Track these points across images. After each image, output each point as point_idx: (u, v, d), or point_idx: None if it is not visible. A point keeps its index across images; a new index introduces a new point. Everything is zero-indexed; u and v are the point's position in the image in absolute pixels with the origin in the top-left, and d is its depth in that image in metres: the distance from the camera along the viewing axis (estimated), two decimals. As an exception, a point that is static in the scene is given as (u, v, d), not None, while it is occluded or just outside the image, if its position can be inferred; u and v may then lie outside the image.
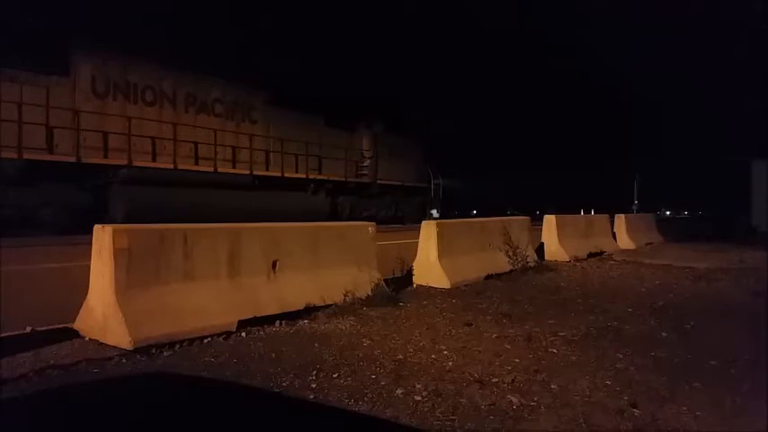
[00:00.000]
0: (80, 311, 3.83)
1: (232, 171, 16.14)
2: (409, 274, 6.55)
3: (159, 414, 2.58)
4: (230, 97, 16.68)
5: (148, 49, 14.47)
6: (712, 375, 3.27)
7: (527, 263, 7.72)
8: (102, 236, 3.64)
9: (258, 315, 4.24)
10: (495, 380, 3.11)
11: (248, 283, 4.35)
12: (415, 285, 6.40)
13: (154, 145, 14.55)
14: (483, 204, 32.35)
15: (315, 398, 2.80)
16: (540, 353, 3.70)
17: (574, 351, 3.75)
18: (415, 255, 6.70)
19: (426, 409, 2.68)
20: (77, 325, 3.83)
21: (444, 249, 6.53)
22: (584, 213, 24.22)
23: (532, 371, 3.28)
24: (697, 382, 3.12)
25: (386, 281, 5.74)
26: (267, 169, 17.24)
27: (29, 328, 3.82)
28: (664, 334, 4.31)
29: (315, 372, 3.17)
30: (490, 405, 2.73)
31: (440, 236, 6.52)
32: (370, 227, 5.80)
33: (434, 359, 3.51)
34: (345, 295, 4.95)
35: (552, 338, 4.08)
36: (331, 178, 19.36)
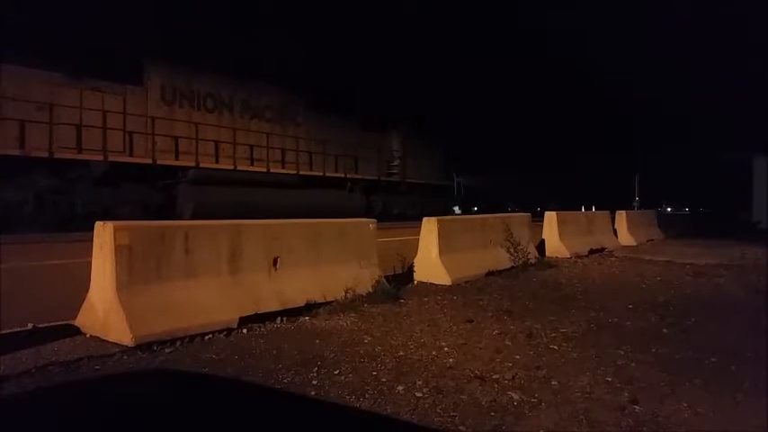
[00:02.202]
0: (81, 308, 3.84)
1: (282, 171, 17.65)
2: (410, 270, 6.55)
3: (161, 411, 2.59)
4: (278, 103, 18.11)
5: (208, 60, 15.95)
6: (713, 372, 3.27)
7: (528, 259, 7.72)
8: (104, 233, 3.65)
9: (259, 312, 4.25)
10: (495, 376, 3.11)
11: (249, 280, 4.35)
12: (415, 282, 6.40)
13: (217, 148, 15.99)
14: (484, 201, 32.41)
15: (316, 394, 2.80)
16: (540, 349, 3.70)
17: (574, 347, 3.76)
18: (416, 251, 6.70)
19: (427, 405, 2.68)
20: (78, 322, 3.83)
21: (445, 246, 6.53)
22: (585, 210, 24.31)
23: (533, 367, 3.28)
24: (698, 378, 3.13)
25: (387, 277, 5.74)
26: (311, 169, 18.72)
27: (30, 325, 3.83)
28: (664, 330, 4.32)
29: (316, 368, 3.18)
30: (491, 401, 2.74)
31: (440, 232, 6.52)
32: (371, 223, 5.80)
33: (435, 356, 3.51)
34: (346, 292, 4.95)
35: (553, 335, 4.09)
36: (366, 177, 20.80)
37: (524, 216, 8.78)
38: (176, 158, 14.87)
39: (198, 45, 15.44)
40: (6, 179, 11.58)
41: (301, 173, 18.21)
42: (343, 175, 19.82)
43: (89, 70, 13.01)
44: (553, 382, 3.03)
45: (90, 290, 3.79)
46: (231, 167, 15.99)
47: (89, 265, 3.81)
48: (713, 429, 2.49)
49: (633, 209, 27.65)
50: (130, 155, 13.86)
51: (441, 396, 2.80)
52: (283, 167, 17.78)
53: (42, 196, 12.18)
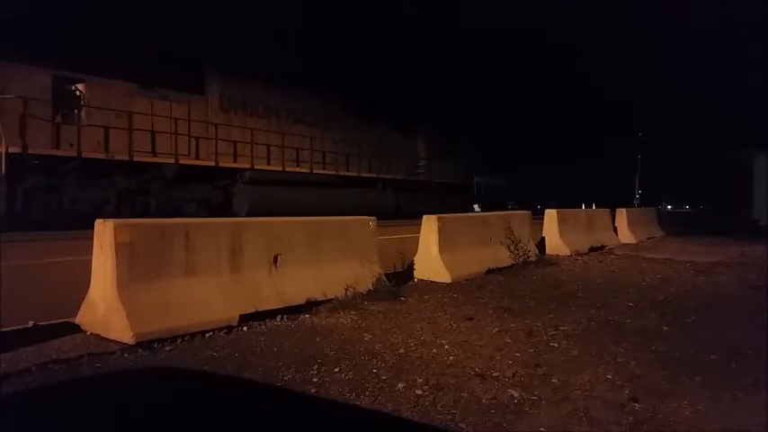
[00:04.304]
0: (81, 306, 3.84)
1: (323, 172, 19.16)
2: (410, 268, 6.55)
3: (161, 408, 2.59)
4: (318, 109, 19.63)
5: (259, 71, 17.51)
6: (713, 369, 3.27)
7: (528, 257, 7.72)
8: (104, 230, 3.64)
9: (260, 309, 4.25)
10: (496, 374, 3.11)
11: (250, 278, 4.35)
12: (416, 280, 6.40)
13: (268, 151, 17.48)
14: (485, 198, 32.59)
15: (316, 392, 2.81)
16: (541, 347, 3.70)
17: (575, 345, 3.76)
18: (417, 249, 6.70)
19: (427, 403, 2.68)
20: (79, 319, 3.83)
21: (445, 244, 6.53)
22: (586, 208, 24.33)
23: (533, 365, 3.29)
24: (698, 376, 3.13)
25: (387, 275, 5.74)
26: (348, 170, 20.28)
27: (31, 323, 3.83)
28: (665, 328, 4.32)
29: (316, 366, 3.18)
30: (491, 399, 2.74)
31: (441, 230, 6.51)
32: (371, 221, 5.80)
33: (436, 353, 3.51)
34: (347, 290, 4.95)
35: (553, 332, 4.09)
36: (395, 177, 22.41)
37: (525, 214, 8.78)
38: (234, 161, 16.34)
39: (249, 57, 17.08)
40: (91, 180, 12.76)
41: (340, 173, 19.70)
42: (375, 176, 21.40)
43: (158, 81, 14.28)
44: (553, 380, 3.03)
45: (90, 287, 3.79)
46: (280, 169, 17.45)
47: (89, 262, 3.81)
48: (713, 427, 2.50)
49: (633, 207, 27.68)
50: (196, 158, 15.22)
51: (441, 393, 2.80)
52: (324, 168, 19.32)
53: (122, 196, 13.39)
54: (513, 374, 3.11)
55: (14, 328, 3.72)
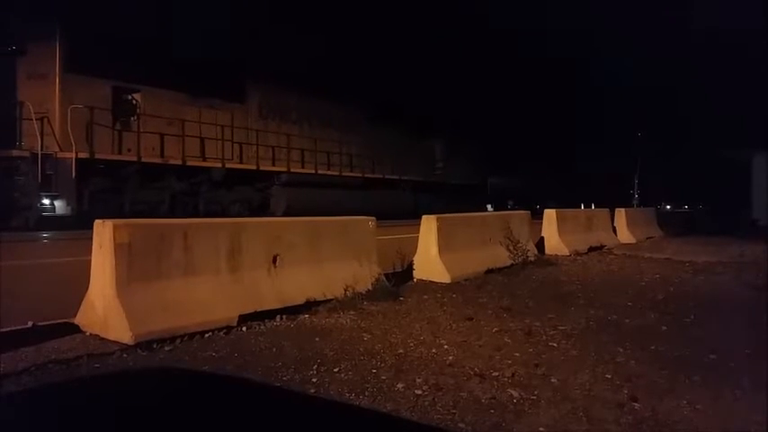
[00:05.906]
0: (81, 306, 3.84)
1: (351, 174, 20.49)
2: (410, 268, 6.55)
3: (160, 409, 2.59)
4: (344, 115, 20.98)
5: (292, 80, 18.50)
6: (712, 369, 3.27)
7: (527, 257, 7.72)
8: (103, 231, 3.64)
9: (259, 309, 4.25)
10: (495, 374, 3.12)
11: (249, 278, 4.35)
12: (415, 280, 6.40)
13: (303, 155, 18.81)
14: (495, 198, 32.76)
15: (316, 392, 2.81)
16: (540, 347, 3.70)
17: (574, 345, 3.76)
18: (416, 249, 6.70)
19: (427, 403, 2.68)
20: (78, 320, 3.83)
21: (445, 244, 6.53)
22: (585, 208, 24.47)
23: (533, 365, 3.29)
24: (696, 375, 3.13)
25: (386, 275, 5.74)
26: (373, 172, 21.67)
27: (30, 323, 3.82)
28: (664, 328, 4.32)
29: (316, 366, 3.18)
30: (491, 399, 2.74)
31: (440, 230, 6.51)
32: (371, 221, 5.79)
33: (435, 353, 3.51)
34: (346, 290, 4.95)
35: (552, 332, 4.09)
36: (415, 179, 23.82)
37: (524, 214, 8.78)
38: (273, 165, 17.59)
39: (282, 67, 17.99)
40: (149, 183, 13.85)
41: (366, 175, 21.06)
42: (397, 178, 22.74)
43: (205, 91, 15.48)
44: (552, 380, 3.03)
45: (89, 288, 3.78)
46: (313, 171, 18.71)
47: (88, 263, 3.81)
48: (712, 426, 2.50)
49: (633, 207, 27.73)
50: (240, 162, 16.42)
51: (440, 393, 2.80)
52: (351, 171, 20.62)
53: (176, 197, 14.52)
54: (513, 374, 3.11)
55: (13, 328, 3.72)
